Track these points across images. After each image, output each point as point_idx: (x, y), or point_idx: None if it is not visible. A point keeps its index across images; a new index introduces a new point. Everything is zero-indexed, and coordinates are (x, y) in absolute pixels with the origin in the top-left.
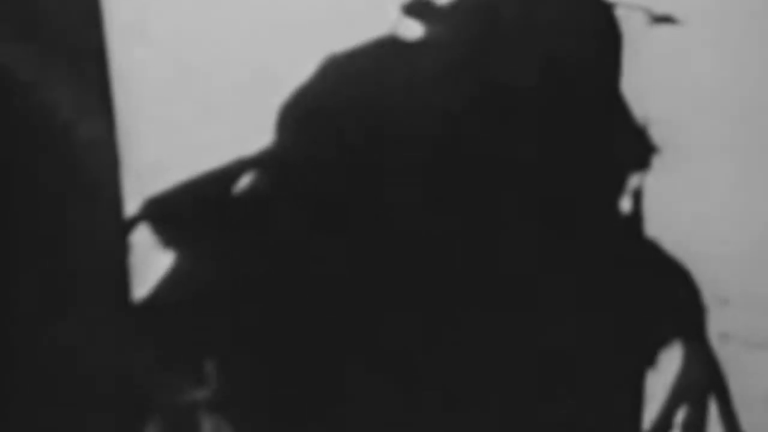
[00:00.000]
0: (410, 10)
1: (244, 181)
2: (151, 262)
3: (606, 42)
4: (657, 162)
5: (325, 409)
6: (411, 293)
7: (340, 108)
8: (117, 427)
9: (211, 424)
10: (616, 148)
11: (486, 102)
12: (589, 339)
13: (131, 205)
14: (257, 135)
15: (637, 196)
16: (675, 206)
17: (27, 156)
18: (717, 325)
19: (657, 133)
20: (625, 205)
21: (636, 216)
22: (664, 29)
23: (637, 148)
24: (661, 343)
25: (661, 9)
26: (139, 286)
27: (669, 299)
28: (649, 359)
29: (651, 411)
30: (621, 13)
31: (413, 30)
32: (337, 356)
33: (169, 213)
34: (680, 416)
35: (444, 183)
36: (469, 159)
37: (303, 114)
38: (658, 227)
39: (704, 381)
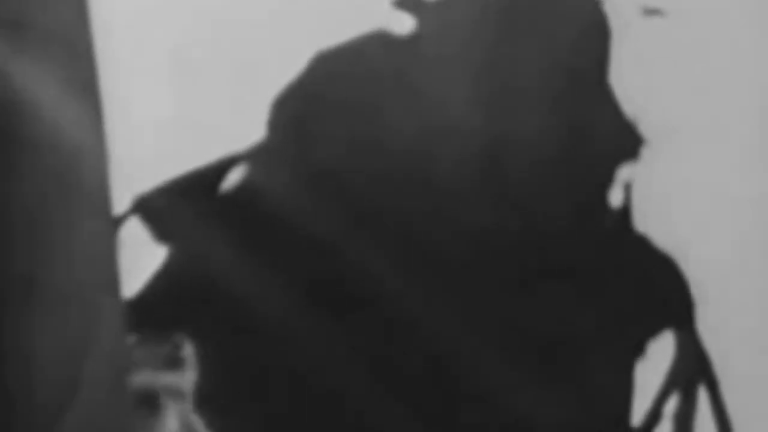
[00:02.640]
0: (401, 5)
1: (235, 177)
2: (140, 259)
3: (595, 34)
4: (646, 154)
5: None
6: (400, 276)
7: (331, 104)
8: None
9: (177, 411)
10: (605, 139)
11: (475, 94)
12: (579, 330)
13: (119, 203)
14: (247, 132)
15: (627, 189)
16: (664, 198)
17: (13, 154)
18: (705, 317)
19: (646, 126)
20: (615, 197)
21: (625, 208)
22: (654, 23)
23: (626, 139)
24: (650, 334)
25: (650, 2)
26: (129, 282)
27: (658, 291)
28: (638, 350)
29: (639, 401)
30: (610, 7)
31: (404, 25)
32: (322, 350)
33: (160, 209)
34: (670, 406)
35: (437, 176)
36: (464, 155)
37: (294, 110)
38: (648, 219)
39: (694, 372)
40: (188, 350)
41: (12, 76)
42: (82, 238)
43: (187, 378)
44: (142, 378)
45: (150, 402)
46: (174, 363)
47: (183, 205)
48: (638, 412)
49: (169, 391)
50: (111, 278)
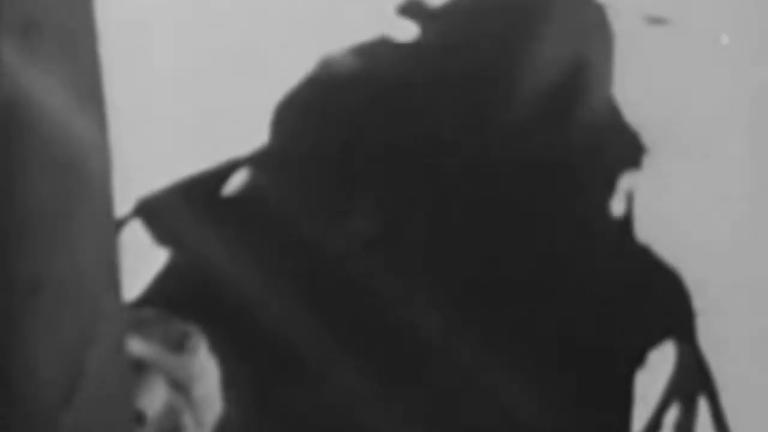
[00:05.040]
0: (405, 12)
1: (238, 180)
2: (142, 262)
3: (599, 42)
4: (647, 163)
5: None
6: (410, 285)
7: (335, 108)
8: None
9: (164, 392)
10: (607, 148)
11: (477, 102)
12: (580, 339)
13: (121, 206)
14: (251, 136)
15: (629, 199)
16: (666, 208)
17: (18, 155)
18: (705, 327)
19: (648, 135)
20: (617, 206)
21: (627, 218)
22: (657, 32)
23: (628, 148)
24: (651, 344)
25: (653, 11)
26: (131, 285)
27: (659, 301)
28: (639, 360)
29: (639, 411)
30: (614, 15)
31: (408, 31)
32: (328, 353)
33: (162, 212)
34: (670, 416)
35: (441, 179)
36: (466, 156)
37: (297, 115)
38: (649, 229)
39: (694, 382)
40: (195, 342)
41: (19, 79)
42: (85, 238)
43: (188, 368)
44: (144, 349)
45: (140, 372)
46: (177, 347)
47: (185, 209)
48: (638, 422)
49: (162, 371)
50: (113, 276)
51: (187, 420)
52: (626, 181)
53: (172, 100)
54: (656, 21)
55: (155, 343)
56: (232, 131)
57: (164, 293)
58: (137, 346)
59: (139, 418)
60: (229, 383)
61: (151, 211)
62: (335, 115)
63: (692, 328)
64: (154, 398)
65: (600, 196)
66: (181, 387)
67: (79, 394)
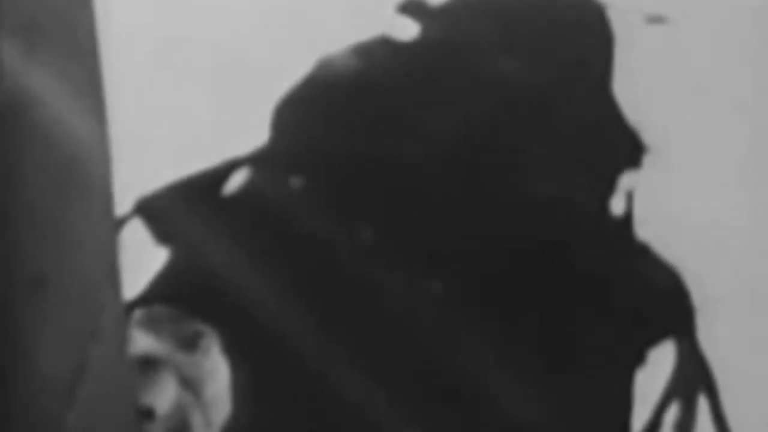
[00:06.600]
0: (405, 10)
1: (237, 180)
2: (142, 261)
3: (598, 42)
4: (648, 162)
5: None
6: (410, 285)
7: (335, 108)
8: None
9: (174, 390)
10: (607, 147)
11: (479, 101)
12: (579, 338)
13: (121, 205)
14: (250, 135)
15: (629, 197)
16: (666, 207)
17: (20, 154)
18: (706, 325)
19: (649, 133)
20: (617, 205)
21: (627, 216)
22: (657, 30)
23: (628, 147)
24: (650, 342)
25: (654, 10)
26: (130, 284)
27: (659, 300)
28: (638, 358)
29: (638, 410)
30: (613, 14)
31: (408, 29)
32: (329, 353)
33: (162, 211)
34: (670, 415)
35: (442, 177)
36: (467, 156)
37: (297, 114)
38: (649, 227)
39: (694, 380)
40: (208, 342)
41: (19, 78)
42: (86, 236)
43: (199, 367)
44: (156, 346)
45: (151, 368)
46: (190, 346)
47: (185, 208)
48: (638, 421)
49: (174, 368)
50: (113, 274)
51: (196, 419)
52: (626, 180)
53: (173, 98)
54: (656, 21)
55: (168, 341)
56: (231, 130)
57: (164, 292)
58: (150, 343)
59: (149, 413)
60: (234, 383)
61: (151, 210)
62: (335, 114)
63: (692, 327)
64: (164, 395)
65: (600, 195)
66: (191, 386)
67: (82, 391)
